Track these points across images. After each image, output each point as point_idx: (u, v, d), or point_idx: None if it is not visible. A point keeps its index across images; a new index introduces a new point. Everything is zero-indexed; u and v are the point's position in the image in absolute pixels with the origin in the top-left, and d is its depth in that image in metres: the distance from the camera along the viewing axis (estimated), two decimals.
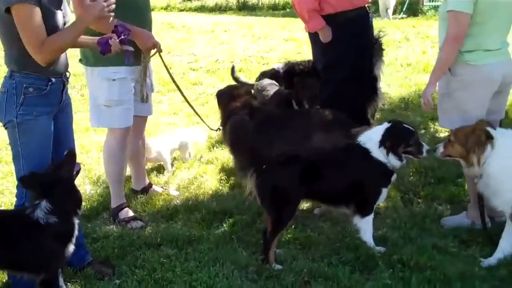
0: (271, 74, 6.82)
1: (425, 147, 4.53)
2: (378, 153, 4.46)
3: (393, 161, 4.46)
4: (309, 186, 4.38)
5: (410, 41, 12.77)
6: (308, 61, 6.67)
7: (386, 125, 4.57)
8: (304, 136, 5.23)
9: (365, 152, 4.49)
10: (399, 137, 4.49)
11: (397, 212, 5.21)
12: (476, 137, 4.32)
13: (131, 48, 4.46)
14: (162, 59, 5.28)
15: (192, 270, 4.19)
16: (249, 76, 10.48)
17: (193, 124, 7.89)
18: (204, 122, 6.19)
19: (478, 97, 4.69)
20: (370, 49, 6.35)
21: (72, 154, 3.93)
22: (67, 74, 4.14)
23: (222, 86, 9.63)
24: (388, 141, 4.44)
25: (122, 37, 4.28)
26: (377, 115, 7.85)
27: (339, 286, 3.99)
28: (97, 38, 4.27)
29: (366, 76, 6.42)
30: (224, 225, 5.02)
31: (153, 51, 5.08)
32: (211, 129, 6.29)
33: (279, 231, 4.35)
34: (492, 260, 4.32)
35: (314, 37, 6.18)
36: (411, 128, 4.56)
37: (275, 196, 4.33)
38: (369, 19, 6.33)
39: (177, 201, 5.57)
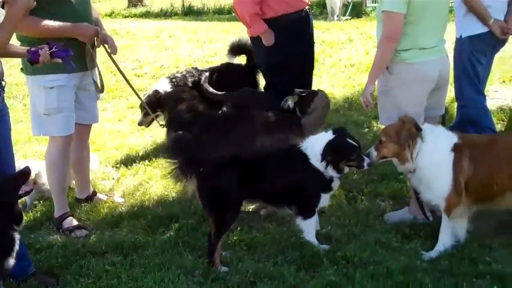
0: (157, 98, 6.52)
1: (366, 161, 4.52)
2: (316, 162, 4.47)
3: (331, 173, 4.48)
4: (250, 187, 4.41)
5: (354, 42, 12.98)
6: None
7: (329, 136, 4.55)
8: (248, 138, 5.26)
9: (304, 158, 4.51)
10: (340, 153, 4.48)
11: (342, 210, 5.27)
12: (407, 131, 4.40)
13: (59, 61, 4.37)
14: (108, 53, 5.27)
15: (137, 277, 4.17)
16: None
17: (138, 131, 7.81)
18: (151, 114, 6.17)
19: (414, 94, 4.79)
20: (312, 51, 6.45)
21: (24, 173, 3.87)
22: (3, 83, 4.06)
23: None
24: (329, 156, 4.43)
25: (54, 49, 4.21)
26: None
27: (285, 285, 4.02)
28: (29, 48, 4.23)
29: (308, 77, 6.52)
30: (170, 230, 5.00)
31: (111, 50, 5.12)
32: (160, 125, 6.22)
33: (223, 233, 4.36)
34: (433, 252, 4.42)
35: (256, 41, 6.21)
36: (353, 143, 4.52)
37: (216, 199, 4.34)
38: (310, 21, 6.41)
39: (122, 208, 5.53)
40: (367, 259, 4.27)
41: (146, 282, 4.06)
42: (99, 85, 5.26)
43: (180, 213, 5.26)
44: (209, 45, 13.73)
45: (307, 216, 4.54)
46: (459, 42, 5.92)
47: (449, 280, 3.97)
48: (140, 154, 7.05)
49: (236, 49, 7.21)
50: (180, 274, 4.18)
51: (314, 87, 6.74)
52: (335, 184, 4.59)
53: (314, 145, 4.51)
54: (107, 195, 5.89)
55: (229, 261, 4.39)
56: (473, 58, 5.91)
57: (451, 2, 5.95)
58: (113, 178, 6.32)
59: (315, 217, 4.62)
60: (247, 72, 6.97)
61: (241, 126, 5.46)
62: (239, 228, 4.91)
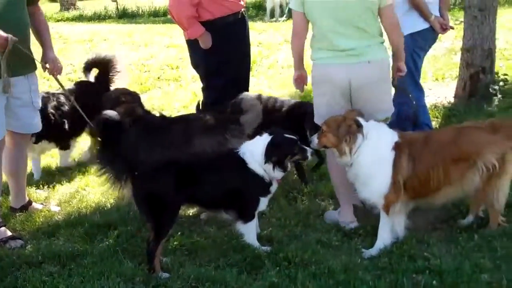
0: None
1: (309, 151, 4.56)
2: (255, 165, 4.46)
3: (276, 173, 4.48)
4: (187, 191, 4.36)
5: (290, 43, 13.01)
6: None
7: (266, 137, 4.53)
8: (185, 141, 5.21)
9: (242, 162, 4.49)
10: (284, 149, 4.49)
11: (282, 211, 5.28)
12: (346, 126, 4.46)
13: None
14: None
15: (76, 286, 4.07)
16: (131, 84, 10.34)
17: None
18: (85, 118, 6.02)
19: (321, 95, 4.84)
20: (249, 53, 6.46)
21: None
22: None
23: None
24: (274, 156, 4.42)
25: None
26: None
27: None
28: None
29: (245, 80, 6.52)
30: (108, 238, 4.88)
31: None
32: (91, 126, 6.04)
33: (161, 238, 4.27)
34: (373, 250, 4.47)
35: (193, 43, 6.17)
36: (292, 136, 4.55)
37: (152, 203, 4.28)
38: (246, 23, 6.42)
39: (59, 217, 5.39)
40: (308, 259, 4.27)
41: None
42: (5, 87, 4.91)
43: (118, 220, 5.16)
44: (145, 48, 13.58)
45: (246, 220, 4.52)
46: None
47: (390, 276, 4.00)
48: (76, 160, 6.89)
49: (91, 65, 7.13)
50: (120, 282, 4.09)
51: (252, 88, 6.77)
52: (273, 187, 4.59)
53: (253, 150, 4.49)
54: (42, 203, 5.74)
55: (170, 267, 4.33)
56: (415, 55, 6.05)
57: None
58: (48, 186, 6.15)
59: (255, 220, 4.62)
60: (99, 87, 6.82)
61: (178, 128, 5.40)
62: (179, 233, 4.85)
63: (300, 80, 5.06)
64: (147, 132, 5.29)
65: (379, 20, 4.71)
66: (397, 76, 4.97)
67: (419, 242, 4.56)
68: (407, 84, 5.95)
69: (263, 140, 4.52)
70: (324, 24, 4.63)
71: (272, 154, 4.41)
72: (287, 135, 4.56)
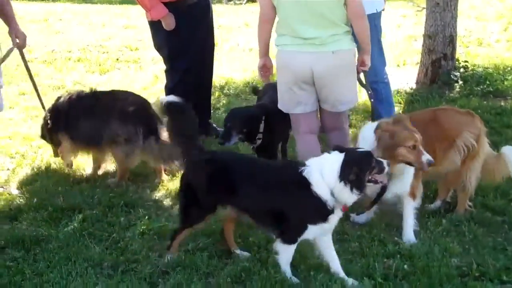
0: None
1: (385, 162, 3.86)
2: (322, 188, 3.73)
3: (351, 196, 3.73)
4: (228, 195, 4.01)
5: (250, 26, 12.95)
6: None
7: (337, 155, 3.80)
8: (101, 121, 5.42)
9: (305, 183, 3.78)
10: (362, 165, 3.78)
11: None
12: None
13: None
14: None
15: (42, 271, 3.97)
16: (89, 66, 10.15)
17: (31, 118, 7.44)
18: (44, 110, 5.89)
19: (281, 81, 4.81)
20: (212, 35, 6.40)
21: None
22: None
23: (60, 77, 9.32)
24: (352, 174, 3.69)
25: None
26: (223, 101, 7.93)
27: (198, 273, 3.94)
28: None
29: (209, 63, 6.47)
30: (74, 222, 4.75)
31: None
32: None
33: (183, 228, 4.16)
34: (410, 238, 4.42)
35: (155, 25, 6.09)
36: (365, 149, 3.98)
37: (189, 193, 4.14)
38: (210, 5, 6.37)
39: (20, 200, 5.21)
40: None
41: (52, 277, 3.86)
42: None
43: (82, 204, 5.03)
44: (102, 29, 13.31)
45: (286, 241, 3.89)
46: (376, 16, 6.00)
47: (361, 261, 4.03)
48: (36, 143, 6.70)
49: None
50: (88, 267, 4.02)
51: (214, 72, 6.71)
52: (335, 216, 3.85)
53: (324, 169, 3.77)
54: (2, 187, 5.55)
55: (138, 251, 4.26)
56: (381, 33, 6.17)
57: None
58: (8, 169, 5.96)
59: (294, 246, 3.93)
60: None
61: (101, 107, 5.52)
62: (146, 217, 4.78)
63: (265, 69, 4.99)
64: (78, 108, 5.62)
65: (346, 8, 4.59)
66: (359, 70, 4.88)
67: (388, 227, 4.60)
68: (377, 62, 6.02)
69: (335, 157, 3.80)
70: (289, 10, 4.54)
71: (351, 172, 3.70)
72: (360, 149, 4.03)
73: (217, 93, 8.26)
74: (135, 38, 12.12)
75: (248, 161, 4.35)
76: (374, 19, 6.05)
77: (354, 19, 4.63)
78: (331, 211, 3.78)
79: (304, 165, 3.85)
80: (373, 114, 5.60)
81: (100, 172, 5.80)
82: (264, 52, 4.91)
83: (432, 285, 3.72)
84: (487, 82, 7.96)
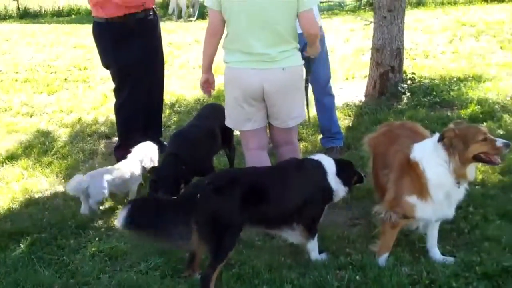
0: None
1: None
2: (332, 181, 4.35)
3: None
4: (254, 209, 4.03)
5: (200, 43, 12.91)
6: None
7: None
8: None
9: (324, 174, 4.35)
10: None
11: None
12: None
13: None
14: None
15: None
16: (37, 86, 9.99)
17: None
18: None
19: (229, 97, 4.75)
20: (161, 52, 6.38)
21: None
22: None
23: (7, 98, 9.16)
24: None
25: None
26: (174, 118, 7.90)
27: None
28: None
29: (158, 80, 6.44)
30: (22, 246, 4.66)
31: None
32: None
33: (220, 263, 3.89)
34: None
35: (103, 42, 6.04)
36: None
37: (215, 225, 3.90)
38: (158, 21, 6.35)
39: None
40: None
41: None
42: None
43: (31, 227, 4.93)
44: (50, 49, 13.14)
45: (314, 234, 4.32)
46: (321, 29, 6.06)
47: (314, 273, 4.03)
48: None
49: None
50: None
51: (164, 89, 6.67)
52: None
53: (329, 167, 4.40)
54: None
55: (88, 273, 4.19)
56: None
57: None
58: None
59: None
60: None
61: None
62: (97, 239, 4.71)
63: (207, 85, 4.95)
64: None
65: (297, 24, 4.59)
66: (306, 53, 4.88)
67: (339, 238, 4.63)
68: (329, 73, 6.28)
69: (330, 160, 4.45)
70: (241, 25, 4.47)
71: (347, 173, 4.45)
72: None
73: (167, 111, 8.22)
74: (84, 57, 12.03)
75: (263, 170, 4.45)
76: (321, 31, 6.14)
77: (307, 35, 4.64)
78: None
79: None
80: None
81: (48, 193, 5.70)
82: (208, 67, 4.84)
83: None
84: (434, 93, 8.11)
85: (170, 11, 19.21)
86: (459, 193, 4.06)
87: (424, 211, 4.06)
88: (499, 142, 3.88)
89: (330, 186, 4.33)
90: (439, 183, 3.96)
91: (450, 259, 4.21)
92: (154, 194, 5.01)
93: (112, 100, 6.92)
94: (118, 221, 3.83)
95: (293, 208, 4.17)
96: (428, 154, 4.02)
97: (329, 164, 4.39)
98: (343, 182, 4.37)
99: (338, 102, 7.71)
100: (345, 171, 4.44)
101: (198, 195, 3.88)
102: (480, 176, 5.46)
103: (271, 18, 4.44)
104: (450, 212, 4.13)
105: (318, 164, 4.37)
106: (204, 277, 3.86)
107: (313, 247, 4.32)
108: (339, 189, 4.37)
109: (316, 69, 5.58)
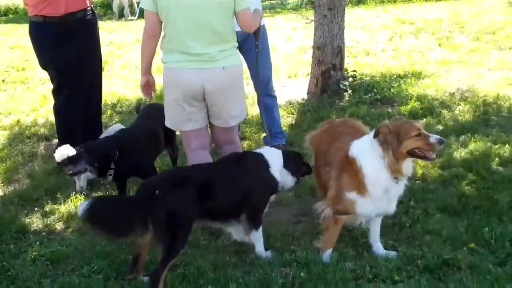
0: None
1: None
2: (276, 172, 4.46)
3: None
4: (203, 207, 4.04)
5: None
6: None
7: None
8: None
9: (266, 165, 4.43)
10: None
11: None
12: None
13: None
14: None
15: None
16: None
17: None
18: None
19: (171, 99, 4.69)
20: (99, 51, 6.30)
21: None
22: None
23: None
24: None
25: None
26: (116, 119, 7.79)
27: None
28: None
29: (97, 80, 6.35)
30: None
31: None
32: None
33: (171, 260, 3.84)
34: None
35: (40, 43, 5.91)
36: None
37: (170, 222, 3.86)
38: (97, 20, 6.28)
39: None
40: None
41: None
42: None
43: None
44: None
45: (257, 226, 4.35)
46: (264, 28, 6.09)
47: (259, 271, 4.04)
48: None
49: None
50: None
51: (106, 90, 6.58)
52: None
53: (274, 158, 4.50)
54: None
55: (29, 278, 4.10)
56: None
57: None
58: None
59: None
60: None
61: None
62: (38, 243, 4.60)
63: (147, 87, 4.90)
64: None
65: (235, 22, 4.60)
66: None
67: (284, 236, 4.65)
68: (271, 73, 6.31)
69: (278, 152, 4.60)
70: (179, 26, 4.44)
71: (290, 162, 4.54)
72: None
73: (109, 111, 8.11)
74: (22, 58, 11.77)
75: (208, 166, 4.48)
76: (263, 31, 6.16)
77: (248, 32, 4.79)
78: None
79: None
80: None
81: None
82: (147, 69, 4.80)
83: None
84: (375, 90, 8.25)
85: (114, 9, 18.90)
86: (398, 188, 4.10)
87: (364, 207, 4.10)
88: (433, 138, 3.93)
89: (273, 177, 4.39)
90: (376, 178, 4.01)
91: (393, 253, 4.28)
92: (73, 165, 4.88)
93: (51, 101, 6.76)
94: (78, 210, 3.78)
95: (238, 200, 4.22)
96: (365, 150, 4.07)
97: (273, 156, 4.48)
98: (290, 172, 4.50)
99: (281, 100, 7.77)
100: (293, 162, 4.56)
101: (156, 192, 3.87)
102: (420, 171, 5.58)
103: (208, 18, 4.42)
104: (390, 208, 4.18)
105: (260, 156, 4.45)
106: (153, 275, 3.79)
107: (257, 239, 4.34)
108: (286, 179, 4.49)
109: (258, 68, 5.59)
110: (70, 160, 4.85)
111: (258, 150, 4.62)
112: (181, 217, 3.88)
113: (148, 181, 4.23)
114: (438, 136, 3.97)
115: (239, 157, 4.56)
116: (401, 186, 4.12)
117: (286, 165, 4.50)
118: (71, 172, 4.85)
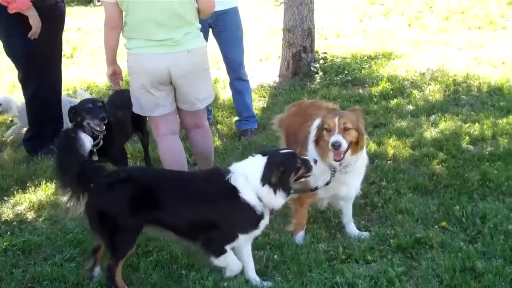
0: None
1: (311, 159, 3.89)
2: (249, 193, 3.64)
3: (277, 199, 3.68)
4: (150, 214, 3.74)
5: None
6: None
7: (260, 158, 3.75)
8: None
9: (233, 191, 3.67)
10: (286, 166, 3.69)
11: None
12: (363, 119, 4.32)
13: None
14: None
15: None
16: None
17: None
18: None
19: (135, 84, 4.67)
20: (61, 37, 6.23)
21: None
22: None
23: None
24: (275, 177, 3.63)
25: None
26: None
27: (67, 285, 3.83)
28: None
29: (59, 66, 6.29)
30: None
31: None
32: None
33: (119, 260, 3.71)
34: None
35: (6, 29, 5.80)
36: (289, 151, 3.90)
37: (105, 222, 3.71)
38: (65, 6, 6.20)
39: None
40: (150, 247, 4.21)
41: None
42: None
43: None
44: None
45: (216, 254, 3.74)
46: (237, 11, 6.12)
47: None
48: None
49: None
50: None
51: (75, 76, 6.51)
52: (264, 221, 3.79)
53: (249, 174, 3.68)
54: None
55: (1, 269, 4.04)
56: None
57: None
58: None
59: (230, 253, 3.78)
60: None
61: None
62: (8, 233, 4.54)
63: (114, 77, 4.89)
64: None
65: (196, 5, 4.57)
66: None
67: None
68: (242, 56, 6.27)
69: (258, 161, 3.74)
70: (141, 14, 4.43)
71: (272, 174, 3.63)
72: (283, 151, 3.91)
73: (79, 98, 7.99)
74: None
75: (170, 174, 4.14)
76: (236, 14, 6.15)
77: (207, 13, 4.73)
78: (261, 217, 3.72)
79: (229, 172, 3.72)
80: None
81: None
82: (112, 59, 4.80)
83: (301, 271, 3.81)
84: (346, 72, 8.28)
85: None
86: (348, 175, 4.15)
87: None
88: (333, 139, 3.92)
89: (244, 204, 3.67)
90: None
91: (365, 234, 4.32)
92: None
93: (20, 89, 6.65)
94: None
95: (191, 223, 3.77)
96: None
97: (246, 173, 3.70)
98: (274, 189, 3.64)
99: (253, 83, 7.74)
100: (278, 172, 3.65)
101: (91, 185, 3.70)
102: (391, 151, 5.61)
103: (170, 3, 4.41)
104: (342, 191, 4.22)
105: (226, 181, 3.70)
106: (108, 268, 3.74)
107: (221, 265, 3.80)
108: (269, 199, 3.68)
109: (229, 52, 5.57)
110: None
111: (231, 167, 3.81)
112: (113, 219, 3.67)
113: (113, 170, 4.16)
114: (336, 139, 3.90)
115: (207, 175, 4.00)
116: (355, 172, 4.18)
117: (267, 180, 3.63)
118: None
